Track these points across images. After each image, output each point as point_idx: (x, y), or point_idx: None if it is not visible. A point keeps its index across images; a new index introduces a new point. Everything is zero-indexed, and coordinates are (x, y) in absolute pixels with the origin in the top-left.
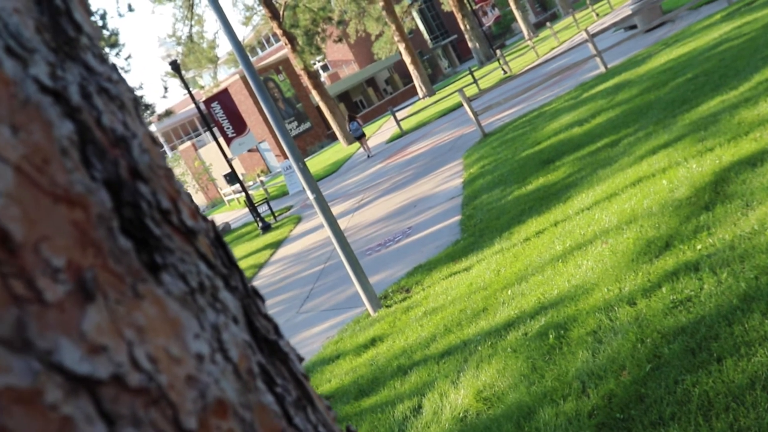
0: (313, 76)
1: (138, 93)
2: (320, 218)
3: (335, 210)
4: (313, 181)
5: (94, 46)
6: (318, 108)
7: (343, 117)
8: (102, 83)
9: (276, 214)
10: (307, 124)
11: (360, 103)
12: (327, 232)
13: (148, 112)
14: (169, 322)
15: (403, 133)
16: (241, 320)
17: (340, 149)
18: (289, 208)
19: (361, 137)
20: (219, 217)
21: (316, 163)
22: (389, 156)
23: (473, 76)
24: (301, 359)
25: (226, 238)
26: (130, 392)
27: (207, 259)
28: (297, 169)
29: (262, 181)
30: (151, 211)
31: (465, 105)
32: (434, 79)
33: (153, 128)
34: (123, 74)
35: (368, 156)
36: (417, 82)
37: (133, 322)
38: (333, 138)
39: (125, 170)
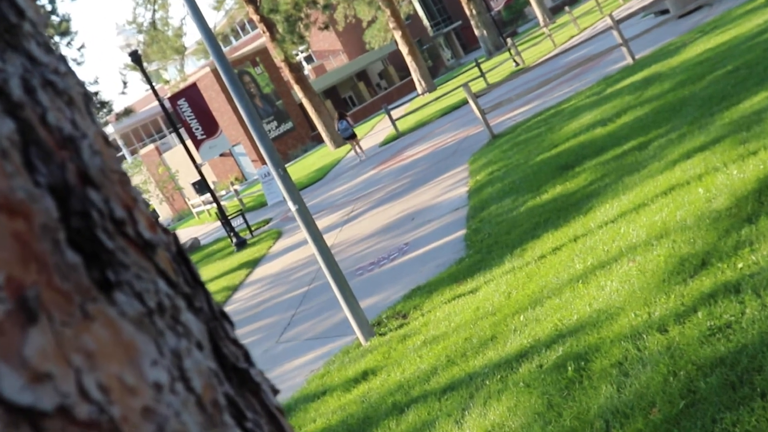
0: (296, 69)
1: (92, 88)
2: (303, 233)
3: (321, 223)
4: (295, 190)
5: (38, 33)
6: (301, 106)
7: (330, 116)
8: (48, 76)
9: (252, 229)
10: (289, 125)
11: (350, 100)
12: (311, 249)
13: (105, 110)
14: (122, 346)
15: (399, 135)
16: (205, 345)
17: (326, 153)
18: (267, 222)
19: (351, 138)
20: (187, 232)
21: (299, 169)
22: (383, 161)
23: (480, 69)
24: (276, 391)
25: (195, 256)
26: (78, 425)
27: (167, 275)
28: (277, 177)
29: (236, 191)
30: (103, 222)
31: (471, 102)
32: (435, 72)
33: (110, 129)
34: (75, 66)
35: (360, 159)
36: (415, 75)
37: (82, 347)
38: (318, 140)
39: (74, 175)
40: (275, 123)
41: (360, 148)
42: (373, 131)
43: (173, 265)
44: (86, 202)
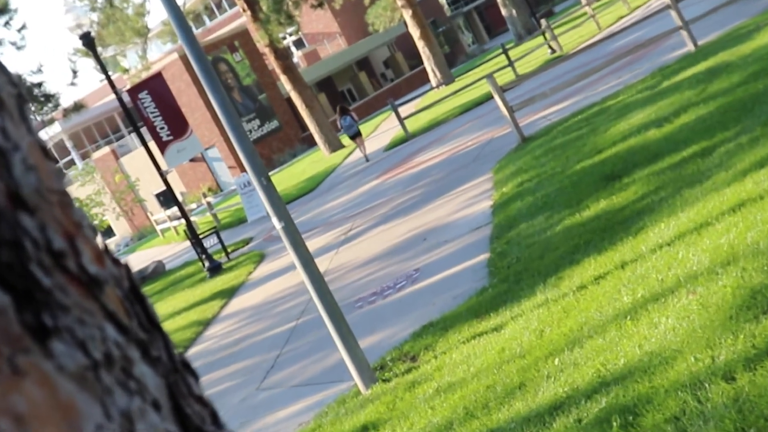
0: (283, 56)
1: (35, 78)
2: (291, 256)
3: (313, 245)
4: (281, 203)
5: None
6: (289, 100)
7: (323, 112)
8: None
9: (229, 250)
10: (274, 124)
11: (348, 94)
12: (300, 275)
13: (50, 105)
14: (60, 408)
15: (408, 137)
16: (164, 404)
17: (319, 159)
18: (247, 242)
19: (355, 136)
20: (149, 254)
21: (287, 177)
22: (389, 168)
23: (508, 57)
24: None
25: (159, 284)
26: None
27: (117, 319)
28: (259, 187)
29: (209, 204)
30: (39, 254)
31: (496, 97)
32: (453, 60)
33: (56, 127)
34: (15, 51)
35: (366, 159)
36: (428, 64)
37: (11, 409)
38: (310, 143)
39: (3, 196)
40: (257, 121)
41: (363, 148)
42: (377, 132)
43: (125, 305)
44: (18, 230)
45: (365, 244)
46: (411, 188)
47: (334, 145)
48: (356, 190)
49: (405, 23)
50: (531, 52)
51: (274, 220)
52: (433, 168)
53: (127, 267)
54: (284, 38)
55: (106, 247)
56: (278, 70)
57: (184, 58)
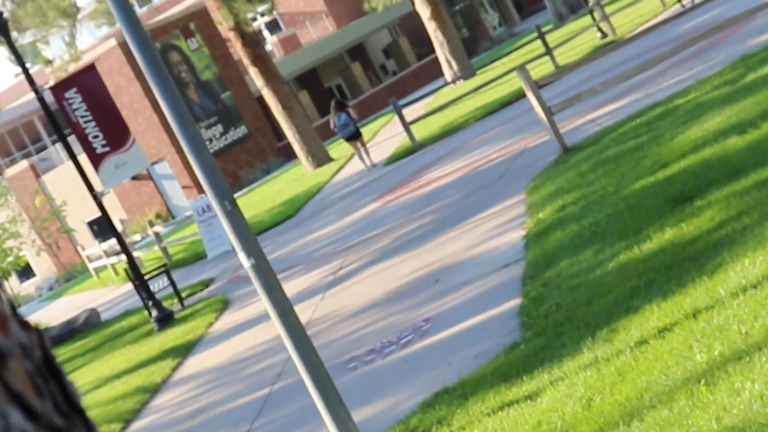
0: (253, 43)
1: None
2: (263, 303)
3: (291, 287)
4: (250, 234)
5: None
6: (261, 100)
7: (305, 115)
8: None
9: (184, 295)
10: (242, 130)
11: (337, 91)
12: (276, 327)
13: None
14: None
15: (416, 147)
16: None
17: (300, 175)
18: (206, 284)
19: (354, 137)
20: (79, 300)
21: (259, 200)
22: (391, 188)
23: (545, 43)
24: None
25: (92, 338)
26: None
27: (25, 401)
28: (222, 214)
29: (157, 235)
30: None
31: (530, 95)
32: (474, 47)
33: None
34: None
35: (369, 167)
36: (442, 52)
37: None
38: (288, 155)
39: None
40: (220, 128)
41: (367, 152)
42: (375, 140)
43: (36, 382)
44: None
45: (360, 286)
46: (419, 214)
47: (320, 158)
48: (349, 216)
49: (412, 1)
50: (575, 37)
51: (242, 257)
52: (448, 188)
53: (39, 333)
54: (254, 19)
55: (12, 307)
56: (246, 61)
57: (124, 46)
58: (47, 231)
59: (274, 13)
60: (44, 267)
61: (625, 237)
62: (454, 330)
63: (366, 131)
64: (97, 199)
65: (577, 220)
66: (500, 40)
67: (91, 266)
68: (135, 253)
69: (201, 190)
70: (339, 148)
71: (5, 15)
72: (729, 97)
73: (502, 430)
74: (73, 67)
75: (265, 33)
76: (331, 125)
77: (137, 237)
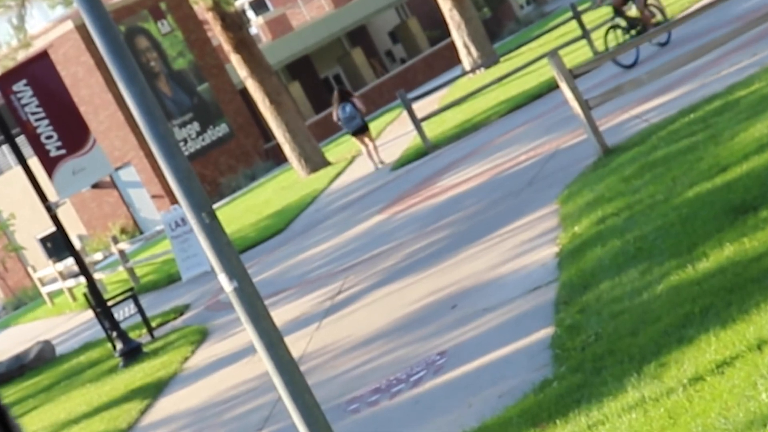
0: (235, 25)
1: None
2: (248, 333)
3: (283, 315)
4: (233, 252)
5: None
6: (244, 93)
7: (297, 111)
8: None
9: (154, 324)
10: (222, 129)
11: (335, 82)
12: (263, 363)
13: None
14: None
15: (428, 148)
16: None
17: (292, 182)
18: (181, 312)
19: (361, 131)
20: (30, 330)
21: (243, 212)
22: (399, 197)
23: (582, 25)
24: None
25: (46, 375)
26: None
27: None
28: (198, 228)
29: (123, 253)
30: None
31: (564, 87)
32: (497, 29)
33: None
34: None
35: (377, 166)
36: (459, 36)
37: None
38: (277, 158)
39: None
40: (196, 125)
41: (375, 149)
42: (381, 141)
43: None
44: None
45: (363, 313)
46: (433, 228)
47: (315, 162)
48: (349, 230)
49: None
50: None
51: (223, 279)
52: (467, 197)
53: None
54: None
55: None
56: (227, 47)
57: (82, 30)
58: None
59: None
60: None
61: (676, 254)
62: (474, 365)
63: (371, 128)
64: (50, 211)
65: (620, 234)
66: (528, 21)
67: (44, 291)
68: (96, 275)
69: (174, 201)
70: (337, 150)
71: None
72: None
73: None
74: (22, 55)
75: (250, 14)
76: (335, 117)
77: (99, 256)
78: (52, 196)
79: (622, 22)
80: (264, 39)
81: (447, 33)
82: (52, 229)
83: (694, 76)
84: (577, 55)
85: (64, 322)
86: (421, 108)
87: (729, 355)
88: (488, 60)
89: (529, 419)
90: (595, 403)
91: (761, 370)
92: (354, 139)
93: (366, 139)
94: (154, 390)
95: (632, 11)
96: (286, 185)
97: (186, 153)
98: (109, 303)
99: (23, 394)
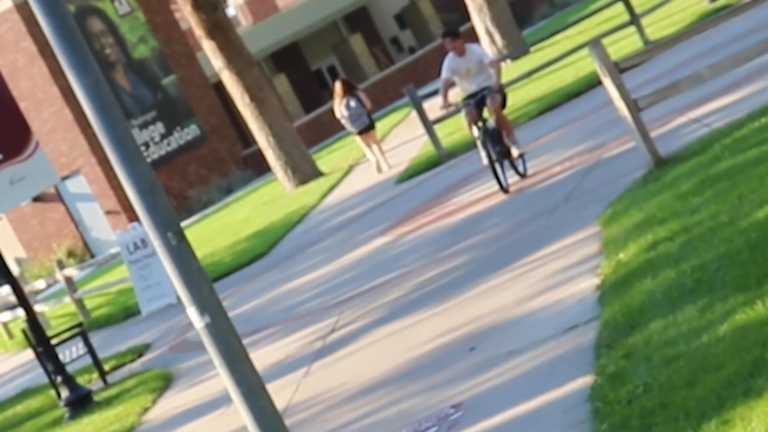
0: (208, 5)
1: None
2: (222, 379)
3: (263, 357)
4: (204, 280)
5: None
6: (219, 88)
7: (282, 109)
8: None
9: (107, 368)
10: (192, 130)
11: (329, 75)
12: (239, 415)
13: None
14: None
15: (441, 156)
16: None
17: (277, 196)
18: (140, 352)
19: (366, 130)
20: None
21: (217, 232)
22: (406, 216)
23: (630, 8)
24: None
25: None
26: None
27: None
28: (163, 251)
29: (70, 281)
30: None
31: (608, 83)
32: (527, 12)
33: None
34: None
35: (382, 170)
36: (481, 20)
37: None
38: (258, 167)
39: None
40: (160, 127)
41: (381, 151)
42: (385, 146)
43: None
44: None
45: (361, 356)
46: (447, 253)
47: (304, 172)
48: (346, 255)
49: None
50: (671, 0)
51: (192, 313)
52: (489, 216)
53: None
54: None
55: None
56: (199, 32)
57: (23, 10)
58: None
59: None
60: None
61: (743, 288)
62: (495, 421)
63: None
64: None
65: (675, 262)
66: (565, 2)
67: None
68: (37, 307)
69: (133, 218)
70: (331, 158)
71: None
72: None
73: None
74: None
75: None
76: (337, 114)
77: (41, 284)
78: None
79: None
80: (244, 22)
81: (466, 16)
82: None
83: (765, 71)
84: (624, 44)
85: None
86: (433, 108)
87: None
88: (516, 50)
89: None
90: None
91: None
92: (359, 140)
93: (371, 140)
94: None
95: None
96: (268, 200)
97: (148, 160)
98: (53, 341)
99: None
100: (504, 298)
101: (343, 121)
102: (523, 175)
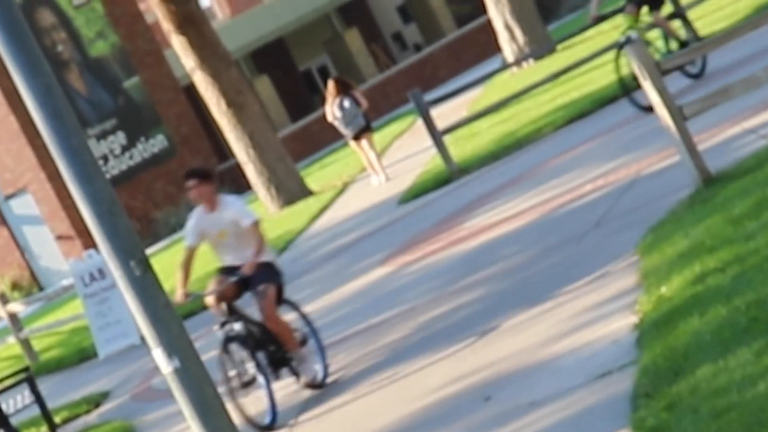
0: None
1: None
2: None
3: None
4: (173, 317)
5: None
6: (190, 90)
7: (265, 116)
8: None
9: (59, 420)
10: (159, 141)
11: (320, 77)
12: None
13: None
14: None
15: (453, 172)
16: None
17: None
18: (97, 402)
19: (363, 132)
20: None
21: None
22: (411, 242)
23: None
24: None
25: None
26: None
27: None
28: (125, 283)
29: (15, 317)
30: None
31: (648, 88)
32: (552, 5)
33: None
34: None
35: (380, 182)
36: (499, 13)
37: None
38: (236, 183)
39: None
40: (122, 137)
41: (379, 160)
42: (386, 160)
43: None
44: None
45: (356, 407)
46: (458, 287)
47: (290, 191)
48: (339, 288)
49: None
50: None
51: (158, 355)
52: (507, 243)
53: None
54: None
55: None
56: (168, 26)
57: None
58: None
59: None
60: None
61: None
62: None
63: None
64: None
65: (727, 298)
66: None
67: None
68: None
69: (90, 244)
70: (322, 174)
71: None
72: None
73: None
74: None
75: None
76: (329, 116)
77: None
78: None
79: None
80: (220, 15)
81: (482, 8)
82: None
83: None
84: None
85: None
86: (443, 115)
87: None
88: (540, 48)
89: None
90: None
91: None
92: (354, 145)
93: (367, 145)
94: None
95: None
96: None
97: (107, 176)
98: None
99: None
100: (525, 340)
101: (336, 124)
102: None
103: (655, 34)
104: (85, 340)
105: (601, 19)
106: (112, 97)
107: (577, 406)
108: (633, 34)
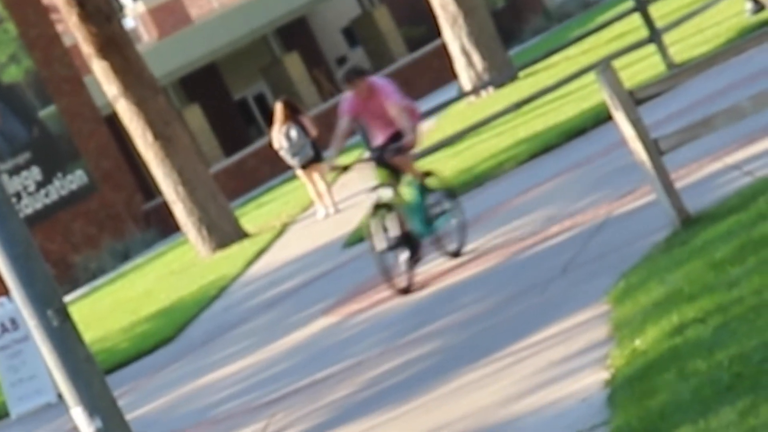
0: (100, 15)
1: None
2: None
3: None
4: (94, 372)
5: None
6: (112, 120)
7: (196, 150)
8: None
9: None
10: (78, 177)
11: (257, 105)
12: None
13: None
14: None
15: None
16: None
17: (187, 263)
18: None
19: (312, 163)
20: None
21: (111, 310)
22: (360, 289)
23: (649, 21)
24: None
25: None
26: None
27: None
28: (40, 334)
29: None
30: None
31: (620, 119)
32: (514, 28)
33: None
34: None
35: (327, 213)
36: (455, 37)
37: None
38: (164, 224)
39: None
40: (37, 172)
41: (329, 191)
42: (338, 197)
43: None
44: None
45: None
46: (410, 339)
47: (224, 233)
48: (278, 341)
49: None
50: (705, 10)
51: (78, 415)
52: (465, 290)
53: None
54: None
55: None
56: (89, 49)
57: None
58: None
59: None
60: None
61: None
62: None
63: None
64: None
65: (708, 352)
66: (564, 14)
67: None
68: None
69: (1, 291)
70: (259, 214)
71: None
72: None
73: None
74: None
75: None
76: (275, 144)
77: None
78: None
79: None
80: (146, 37)
81: (436, 31)
82: None
83: None
84: (641, 68)
85: None
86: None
87: None
88: (501, 75)
89: None
90: None
91: None
92: (302, 176)
93: (315, 176)
94: None
95: None
96: (177, 268)
97: (21, 215)
98: None
99: None
100: (483, 398)
101: (282, 153)
102: None
103: None
104: None
105: None
106: (25, 128)
107: None
108: None
